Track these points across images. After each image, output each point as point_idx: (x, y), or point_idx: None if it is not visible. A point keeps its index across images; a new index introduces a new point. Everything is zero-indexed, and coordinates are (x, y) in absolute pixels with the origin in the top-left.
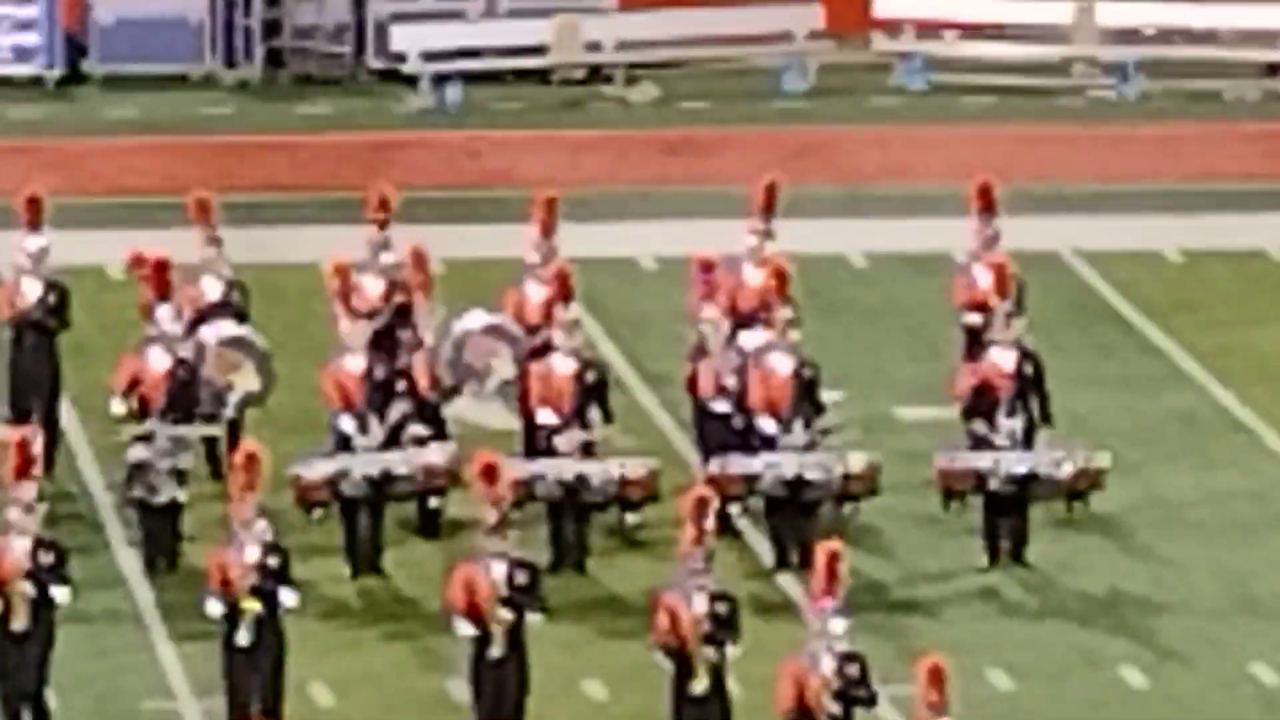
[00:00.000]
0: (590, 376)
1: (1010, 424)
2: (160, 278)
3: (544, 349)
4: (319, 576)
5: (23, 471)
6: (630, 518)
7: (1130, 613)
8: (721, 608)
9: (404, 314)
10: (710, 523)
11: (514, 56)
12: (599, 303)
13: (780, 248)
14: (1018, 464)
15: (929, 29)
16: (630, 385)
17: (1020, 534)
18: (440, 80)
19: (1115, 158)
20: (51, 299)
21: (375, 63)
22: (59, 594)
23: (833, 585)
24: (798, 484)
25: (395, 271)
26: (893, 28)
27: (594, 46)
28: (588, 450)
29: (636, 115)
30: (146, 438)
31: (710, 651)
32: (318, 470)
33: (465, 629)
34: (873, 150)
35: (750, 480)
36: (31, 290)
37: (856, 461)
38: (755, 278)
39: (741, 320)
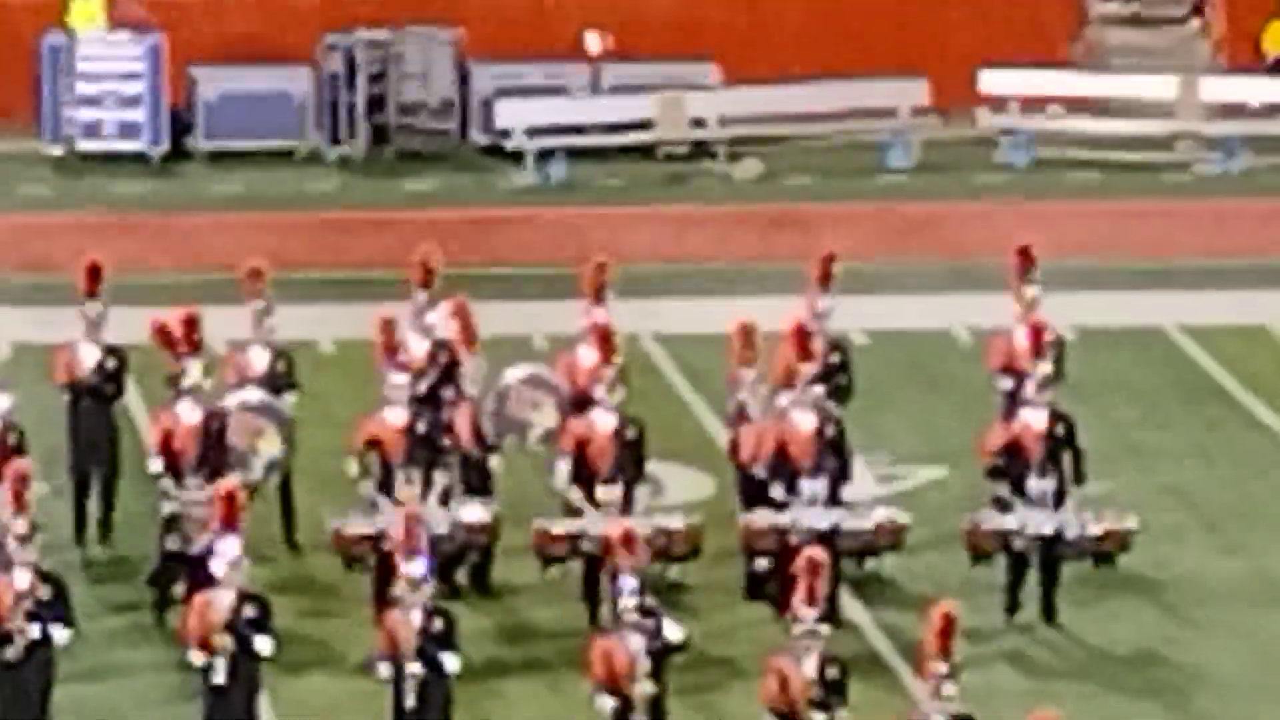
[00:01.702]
0: (630, 433)
1: (1041, 485)
2: (189, 334)
3: (585, 405)
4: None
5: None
6: (673, 571)
7: (1231, 693)
8: (832, 671)
9: (449, 373)
10: (823, 585)
11: (618, 132)
12: (701, 378)
13: (885, 324)
14: (1045, 524)
15: (1033, 104)
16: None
17: (1049, 594)
18: (545, 156)
19: (1220, 233)
20: (109, 365)
21: (480, 139)
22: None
23: (946, 646)
24: (828, 537)
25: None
26: (997, 103)
27: (698, 122)
28: (626, 507)
29: (740, 191)
30: (178, 490)
31: (820, 717)
32: (357, 526)
33: (605, 702)
34: (977, 226)
35: (781, 533)
36: (89, 356)
37: (881, 516)
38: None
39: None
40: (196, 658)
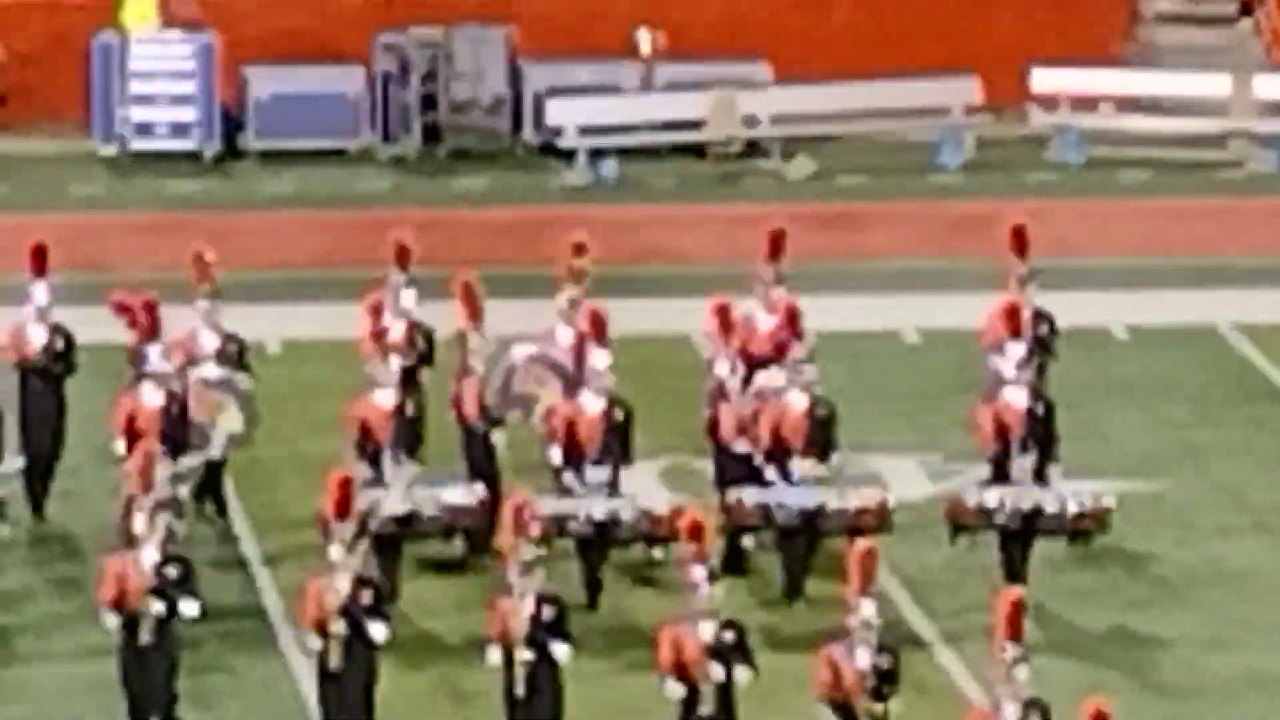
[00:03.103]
0: (617, 414)
1: (1022, 461)
2: (150, 318)
3: (574, 388)
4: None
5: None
6: (657, 553)
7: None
8: (884, 661)
9: (427, 356)
10: (877, 574)
11: (670, 131)
12: None
13: (937, 322)
14: (1023, 500)
15: (1085, 103)
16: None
17: (1020, 563)
18: (596, 155)
19: (1273, 231)
20: (57, 344)
21: (532, 137)
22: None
23: (1016, 630)
24: (812, 516)
25: (415, 314)
26: (1049, 102)
27: (750, 121)
28: (613, 488)
29: (792, 189)
30: None
31: (876, 706)
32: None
33: (675, 690)
34: (1029, 225)
35: (765, 511)
36: (37, 337)
37: (869, 496)
38: (766, 323)
39: (755, 363)
40: (313, 642)
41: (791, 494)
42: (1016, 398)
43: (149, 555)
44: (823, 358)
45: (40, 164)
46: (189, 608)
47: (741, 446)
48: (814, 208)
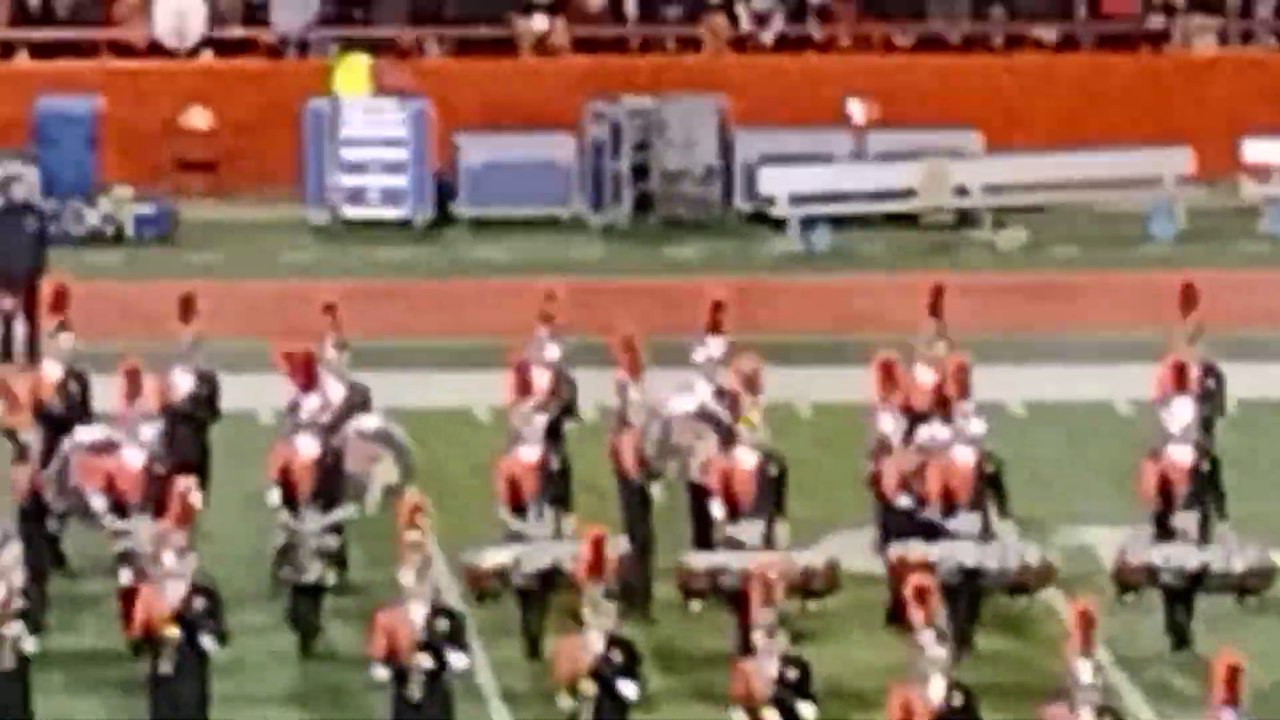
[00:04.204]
0: (772, 470)
1: (1187, 519)
2: (307, 370)
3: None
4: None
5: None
6: (811, 606)
7: None
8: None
9: (569, 410)
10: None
11: (882, 200)
12: None
13: (1148, 393)
14: (1189, 558)
15: None
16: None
17: (1185, 623)
18: (808, 224)
19: None
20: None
21: (744, 206)
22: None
23: (1234, 695)
24: (974, 573)
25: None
26: (1261, 173)
27: (962, 190)
28: (768, 542)
29: (1004, 259)
30: (294, 521)
31: None
32: (489, 560)
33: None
34: (1241, 295)
35: (929, 567)
36: (184, 383)
37: (1033, 555)
38: (927, 377)
39: (917, 417)
40: (564, 702)
41: (956, 550)
42: (1181, 454)
43: (418, 610)
44: (1035, 427)
45: (252, 231)
46: (459, 660)
47: (905, 501)
48: (1025, 278)
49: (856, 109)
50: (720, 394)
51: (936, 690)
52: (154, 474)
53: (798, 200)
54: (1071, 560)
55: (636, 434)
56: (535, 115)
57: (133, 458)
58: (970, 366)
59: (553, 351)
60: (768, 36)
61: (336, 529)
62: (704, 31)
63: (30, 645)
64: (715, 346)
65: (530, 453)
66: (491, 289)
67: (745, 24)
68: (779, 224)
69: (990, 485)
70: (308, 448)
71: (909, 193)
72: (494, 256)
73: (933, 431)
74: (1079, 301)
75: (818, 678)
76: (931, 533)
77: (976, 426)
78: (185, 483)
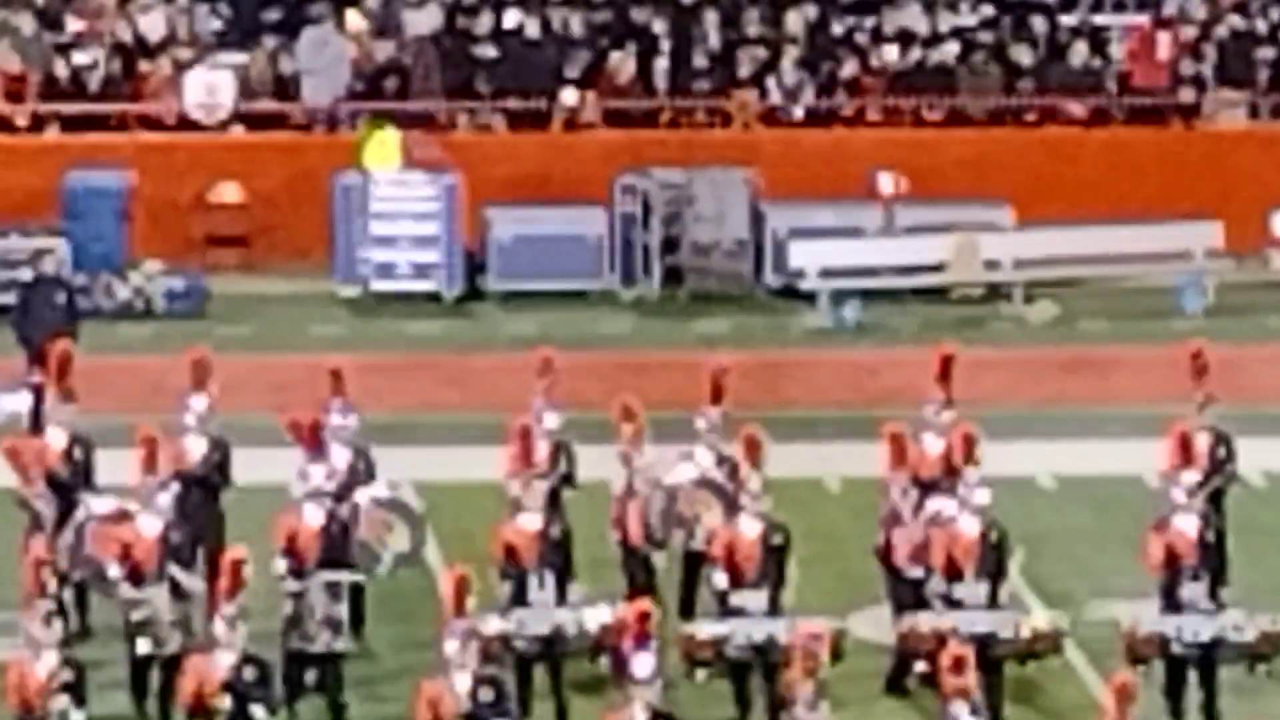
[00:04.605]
0: (775, 538)
1: (1195, 589)
2: (315, 438)
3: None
4: None
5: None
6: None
7: None
8: None
9: (568, 479)
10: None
11: (912, 274)
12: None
13: None
14: (1202, 629)
15: None
16: (1029, 605)
17: (1211, 699)
18: (838, 297)
19: None
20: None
21: (773, 280)
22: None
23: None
24: (986, 641)
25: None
26: None
27: (992, 264)
28: (772, 610)
29: (1035, 333)
30: (301, 590)
31: None
32: (491, 627)
33: None
34: (1272, 370)
35: (941, 638)
36: (196, 448)
37: (1041, 621)
38: (935, 446)
39: (926, 488)
40: None
41: (963, 620)
42: (1187, 525)
43: (462, 682)
44: (1065, 501)
45: (282, 304)
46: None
47: (915, 571)
48: (1056, 352)
49: (886, 182)
50: (721, 461)
51: None
52: (170, 542)
53: (827, 274)
54: (1100, 634)
55: (641, 503)
56: (565, 189)
57: (148, 526)
58: (976, 435)
59: (551, 420)
60: (798, 110)
61: (341, 594)
62: (733, 105)
63: (79, 718)
64: (716, 415)
65: (531, 520)
66: (521, 363)
67: (775, 97)
68: (809, 298)
69: (994, 553)
70: (313, 516)
71: (939, 266)
72: (523, 330)
73: (940, 505)
74: (1109, 376)
75: None
76: (944, 602)
77: (981, 495)
78: (237, 552)
